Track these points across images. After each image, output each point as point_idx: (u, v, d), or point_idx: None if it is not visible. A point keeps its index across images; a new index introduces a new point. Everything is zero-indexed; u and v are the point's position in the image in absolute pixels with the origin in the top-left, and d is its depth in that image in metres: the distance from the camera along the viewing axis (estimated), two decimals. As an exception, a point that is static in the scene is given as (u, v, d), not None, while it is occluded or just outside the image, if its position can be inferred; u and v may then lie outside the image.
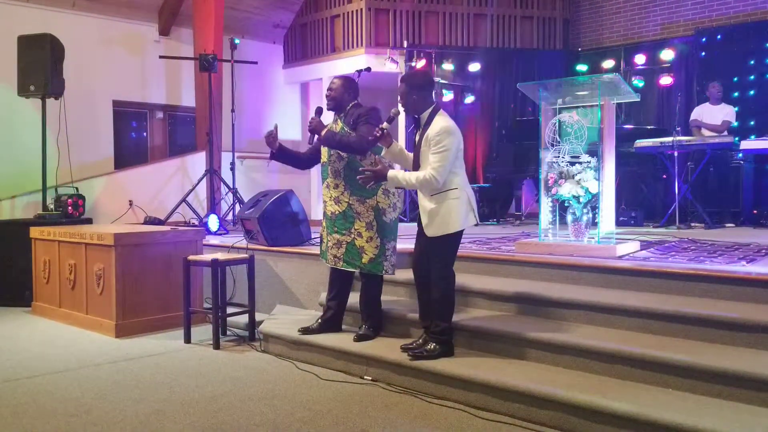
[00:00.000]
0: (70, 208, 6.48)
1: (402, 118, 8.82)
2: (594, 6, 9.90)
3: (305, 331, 4.06)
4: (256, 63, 8.85)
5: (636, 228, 6.60)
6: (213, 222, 6.56)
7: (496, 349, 3.53)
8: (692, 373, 2.88)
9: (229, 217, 7.55)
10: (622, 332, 3.37)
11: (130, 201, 7.65)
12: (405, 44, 9.17)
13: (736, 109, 7.20)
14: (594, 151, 4.34)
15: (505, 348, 3.49)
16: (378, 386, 3.52)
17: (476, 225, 3.65)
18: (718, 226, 6.65)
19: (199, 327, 4.82)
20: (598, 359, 3.16)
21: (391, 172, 3.43)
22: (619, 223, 5.74)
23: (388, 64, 8.90)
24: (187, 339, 4.53)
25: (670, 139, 6.70)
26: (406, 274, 4.33)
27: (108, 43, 8.41)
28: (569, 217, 4.45)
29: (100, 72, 8.31)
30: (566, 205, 4.43)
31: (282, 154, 4.15)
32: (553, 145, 4.47)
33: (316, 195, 8.98)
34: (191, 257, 4.64)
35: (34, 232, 5.66)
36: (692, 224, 6.69)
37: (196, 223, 7.09)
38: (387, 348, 3.67)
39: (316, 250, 4.59)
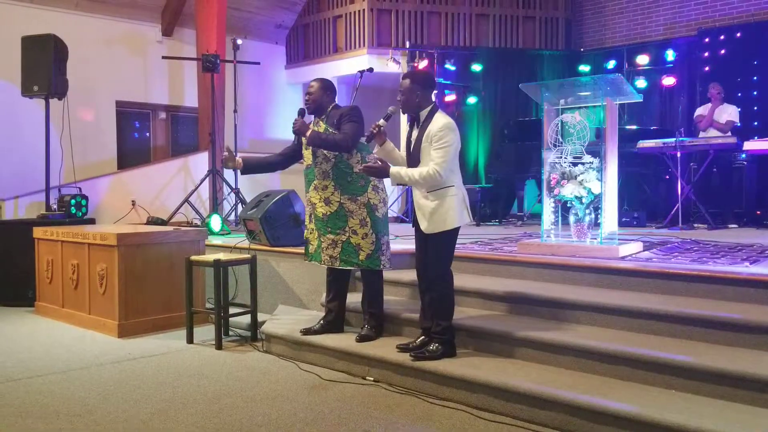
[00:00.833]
0: (73, 208, 6.50)
1: (403, 118, 8.83)
2: (597, 6, 9.89)
3: (307, 331, 4.07)
4: (258, 63, 8.87)
5: (638, 229, 6.59)
6: (215, 222, 6.56)
7: (498, 349, 3.52)
8: (695, 374, 2.88)
9: (232, 217, 7.55)
10: (624, 333, 3.37)
11: (132, 201, 7.66)
12: (407, 44, 9.17)
13: (740, 110, 7.18)
14: (596, 151, 4.33)
15: (507, 349, 3.49)
16: (380, 387, 3.52)
17: (476, 225, 3.66)
18: (721, 226, 6.64)
19: (202, 327, 4.83)
20: (601, 360, 3.15)
21: (393, 169, 3.43)
22: (621, 224, 5.73)
23: (391, 65, 8.90)
24: (190, 339, 4.53)
25: (673, 139, 6.69)
26: (408, 275, 4.34)
27: (111, 43, 8.42)
28: (572, 218, 4.45)
29: (103, 72, 8.32)
30: (569, 205, 4.43)
31: (250, 169, 4.28)
32: (555, 146, 4.46)
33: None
34: (194, 257, 4.65)
35: (38, 232, 5.67)
36: (695, 225, 6.68)
37: (199, 223, 7.10)
38: (389, 348, 3.67)
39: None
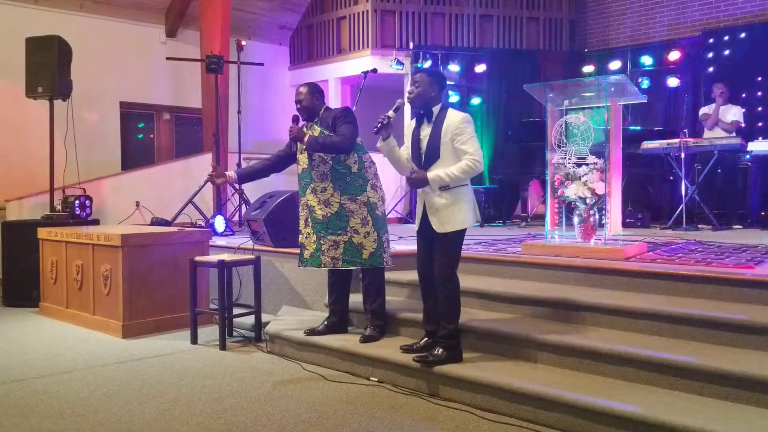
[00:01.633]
0: (77, 209, 6.52)
1: (407, 117, 8.83)
2: (600, 7, 9.88)
3: (311, 332, 4.07)
4: (262, 65, 8.88)
5: (642, 230, 6.58)
6: (219, 223, 6.57)
7: (502, 350, 3.52)
8: (700, 376, 2.87)
9: (236, 218, 7.57)
10: (629, 334, 3.36)
11: (137, 202, 7.67)
12: (411, 45, 9.18)
13: (744, 110, 7.16)
14: (601, 152, 4.32)
15: (512, 350, 3.48)
16: (384, 387, 3.52)
17: (480, 225, 3.65)
18: (725, 227, 6.62)
19: (206, 328, 4.83)
20: (605, 361, 3.15)
21: (431, 174, 3.37)
22: (625, 225, 5.72)
23: (394, 66, 8.91)
24: (194, 340, 4.54)
25: (677, 140, 6.68)
26: (410, 275, 4.34)
27: (115, 44, 8.45)
28: (576, 219, 4.44)
29: (107, 73, 8.35)
30: (573, 206, 4.42)
31: (244, 179, 4.38)
32: (559, 147, 4.46)
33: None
34: (198, 258, 4.66)
35: (42, 232, 5.69)
36: (699, 226, 6.66)
37: (203, 224, 7.11)
38: (393, 349, 3.67)
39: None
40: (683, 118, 7.30)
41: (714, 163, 6.76)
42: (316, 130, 3.96)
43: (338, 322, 4.13)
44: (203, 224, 7.04)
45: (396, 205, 8.71)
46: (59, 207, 6.52)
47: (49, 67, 6.28)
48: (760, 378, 2.72)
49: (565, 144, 4.43)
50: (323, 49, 10.01)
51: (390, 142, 3.53)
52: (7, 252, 6.12)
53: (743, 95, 7.87)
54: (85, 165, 7.12)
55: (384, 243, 4.00)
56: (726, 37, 8.27)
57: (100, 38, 8.28)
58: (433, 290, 3.48)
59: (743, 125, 7.05)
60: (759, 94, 7.92)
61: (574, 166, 4.36)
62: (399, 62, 8.95)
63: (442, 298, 3.42)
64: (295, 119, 4.07)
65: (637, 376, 3.04)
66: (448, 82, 8.84)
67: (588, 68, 9.08)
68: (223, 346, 4.37)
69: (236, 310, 4.75)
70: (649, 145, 6.94)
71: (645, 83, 8.53)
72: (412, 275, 4.35)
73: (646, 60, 8.76)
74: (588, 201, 4.30)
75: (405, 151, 3.60)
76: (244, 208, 7.22)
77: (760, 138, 7.11)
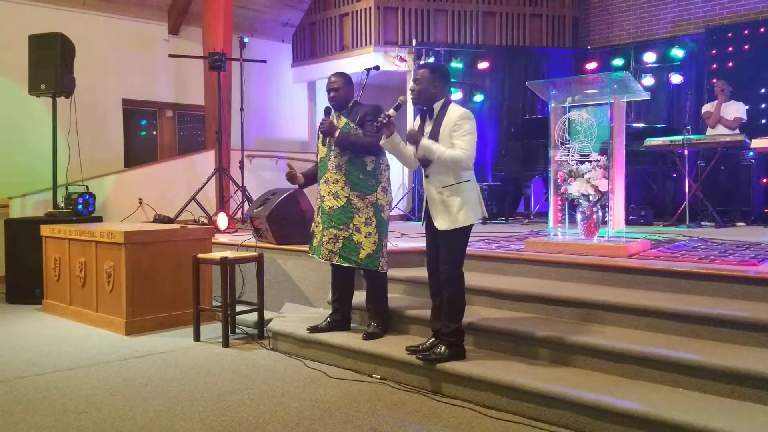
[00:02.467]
0: (80, 206, 6.52)
1: (410, 114, 8.82)
2: (603, 4, 9.84)
3: (314, 329, 4.07)
4: (265, 62, 8.86)
5: (645, 227, 6.56)
6: (222, 220, 6.58)
7: (504, 348, 3.52)
8: (703, 373, 2.87)
9: (238, 215, 7.57)
10: (631, 331, 3.36)
11: (139, 199, 7.68)
12: (414, 42, 9.16)
13: (747, 107, 7.14)
14: (604, 149, 4.32)
15: (514, 347, 3.48)
16: (387, 384, 3.52)
17: (483, 223, 3.63)
18: (728, 225, 6.60)
19: (208, 325, 4.84)
20: (608, 358, 3.14)
21: (424, 140, 3.36)
22: (628, 222, 5.70)
23: (397, 63, 8.89)
24: (197, 337, 4.54)
25: (680, 137, 6.66)
26: (414, 272, 4.34)
27: (118, 41, 8.44)
28: (579, 216, 4.43)
29: (110, 71, 8.34)
30: (576, 203, 4.41)
31: (306, 182, 4.30)
32: (562, 144, 4.45)
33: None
34: (201, 255, 4.66)
35: (45, 230, 5.70)
36: (702, 223, 6.64)
37: (205, 221, 7.12)
38: (395, 346, 3.67)
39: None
40: (686, 115, 7.27)
41: (717, 160, 6.74)
42: (342, 122, 3.94)
43: (341, 320, 4.13)
44: (206, 221, 7.05)
45: (399, 202, 8.70)
46: (62, 204, 6.53)
47: (52, 65, 6.29)
48: (763, 375, 2.72)
49: (568, 141, 4.42)
50: (326, 46, 9.99)
51: (393, 139, 3.52)
52: (11, 249, 6.13)
53: (747, 92, 7.83)
54: (88, 162, 7.12)
55: (383, 247, 3.99)
56: (729, 34, 8.24)
57: (102, 35, 8.27)
58: (440, 288, 3.47)
59: (745, 120, 7.02)
60: (762, 90, 7.88)
61: (577, 163, 4.35)
62: (401, 59, 8.93)
63: (446, 296, 3.40)
64: (327, 111, 4.00)
65: (639, 373, 3.04)
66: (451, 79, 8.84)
67: (591, 65, 9.05)
68: (225, 343, 4.37)
69: (239, 307, 4.75)
70: (652, 142, 6.93)
71: (648, 80, 8.50)
72: (414, 272, 4.36)
73: (649, 57, 8.73)
74: (591, 198, 4.29)
75: (411, 147, 3.60)
76: (246, 206, 7.23)
77: (764, 135, 7.08)
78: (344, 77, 4.02)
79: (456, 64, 9.06)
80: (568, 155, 4.40)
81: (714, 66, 8.26)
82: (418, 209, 8.30)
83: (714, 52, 8.33)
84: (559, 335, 3.33)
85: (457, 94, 9.00)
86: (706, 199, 6.71)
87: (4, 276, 6.25)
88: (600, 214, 4.38)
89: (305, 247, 5.01)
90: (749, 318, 3.09)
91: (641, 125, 7.85)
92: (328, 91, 4.00)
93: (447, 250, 3.40)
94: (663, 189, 7.83)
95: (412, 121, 8.48)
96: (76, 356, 4.18)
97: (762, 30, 8.03)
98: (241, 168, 7.60)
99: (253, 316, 4.65)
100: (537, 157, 7.53)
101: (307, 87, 10.66)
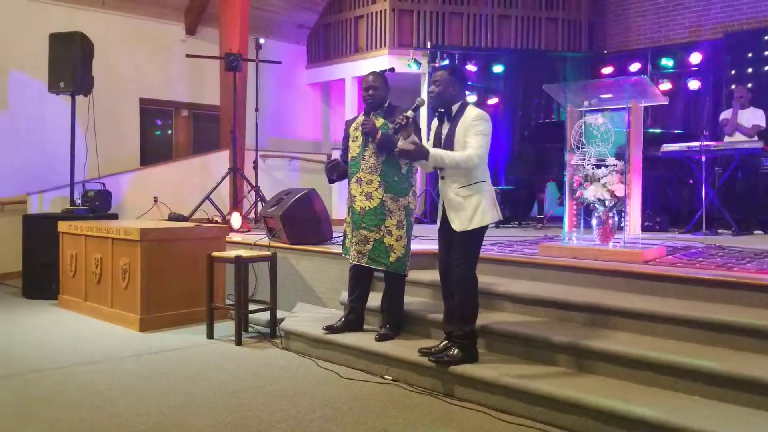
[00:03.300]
0: (97, 203, 6.59)
1: (424, 116, 8.81)
2: (620, 8, 9.79)
3: (330, 329, 4.07)
4: (280, 63, 8.92)
5: (661, 233, 6.50)
6: (236, 219, 6.61)
7: (518, 352, 3.50)
8: (719, 381, 2.84)
9: (252, 215, 7.60)
10: (647, 338, 3.33)
11: (155, 197, 7.74)
12: (428, 45, 9.16)
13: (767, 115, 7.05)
14: (620, 154, 4.28)
15: (528, 351, 3.46)
16: (398, 386, 3.52)
17: (495, 226, 3.61)
18: (745, 233, 6.53)
19: (222, 323, 4.86)
20: (623, 365, 3.12)
21: (433, 150, 3.36)
22: (643, 228, 5.66)
23: (412, 65, 8.90)
24: (210, 334, 4.57)
25: (697, 143, 6.59)
26: (430, 275, 4.33)
27: (136, 41, 8.52)
28: (594, 221, 4.40)
29: (127, 70, 8.43)
30: (591, 208, 4.39)
31: (341, 177, 4.19)
32: (578, 148, 4.43)
33: (338, 194, 9.01)
34: (215, 254, 4.69)
35: (62, 226, 5.76)
36: (719, 231, 6.57)
37: (219, 220, 7.16)
38: (408, 348, 3.67)
39: (337, 249, 4.60)
40: (704, 121, 7.21)
41: (735, 168, 6.66)
42: (380, 122, 3.91)
43: (356, 320, 4.12)
44: (220, 220, 7.09)
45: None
46: (79, 201, 6.60)
47: (71, 63, 6.36)
48: (782, 384, 2.69)
49: (584, 145, 4.40)
50: (341, 48, 10.03)
51: (411, 140, 3.52)
52: (28, 245, 6.20)
53: (766, 99, 7.73)
54: (104, 160, 7.20)
55: (410, 251, 3.99)
56: (748, 40, 8.16)
57: (121, 35, 8.36)
58: (453, 290, 3.46)
59: (764, 127, 6.94)
60: (781, 97, 7.78)
61: (593, 168, 4.33)
62: (416, 62, 8.94)
63: (459, 299, 3.39)
64: (367, 112, 3.97)
65: (655, 380, 3.01)
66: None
67: (607, 69, 8.99)
68: (238, 342, 4.39)
69: (252, 306, 4.77)
70: (669, 147, 6.86)
71: (665, 85, 8.42)
72: (430, 275, 4.35)
73: (667, 62, 8.66)
74: (607, 203, 4.26)
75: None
76: (260, 205, 7.26)
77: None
78: (382, 77, 3.97)
79: (470, 67, 9.04)
80: (584, 159, 4.38)
81: (732, 71, 8.18)
82: (431, 212, 8.28)
83: (732, 57, 8.24)
84: (573, 340, 3.31)
85: (471, 97, 8.98)
86: (722, 206, 6.64)
87: (21, 271, 6.33)
88: (616, 219, 4.35)
89: (318, 247, 5.04)
90: (767, 326, 3.05)
91: (657, 130, 7.78)
92: (366, 89, 3.93)
93: (461, 251, 3.39)
94: (679, 195, 7.75)
95: (427, 123, 8.50)
96: (91, 351, 4.21)
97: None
98: (255, 168, 7.63)
99: (265, 315, 4.67)
100: (551, 161, 7.49)
101: (321, 88, 10.70)
